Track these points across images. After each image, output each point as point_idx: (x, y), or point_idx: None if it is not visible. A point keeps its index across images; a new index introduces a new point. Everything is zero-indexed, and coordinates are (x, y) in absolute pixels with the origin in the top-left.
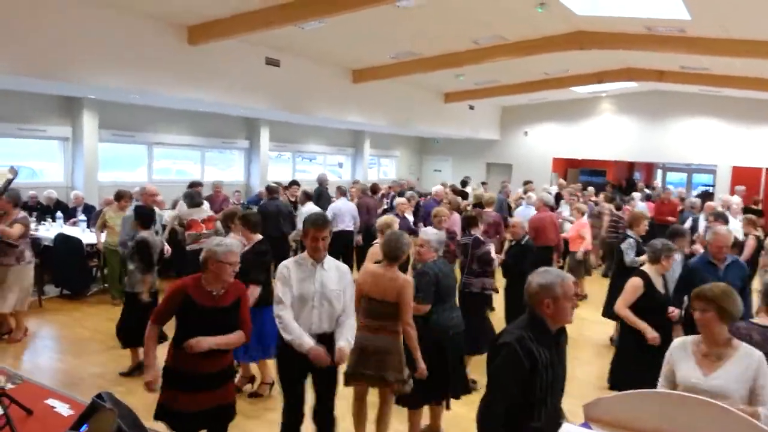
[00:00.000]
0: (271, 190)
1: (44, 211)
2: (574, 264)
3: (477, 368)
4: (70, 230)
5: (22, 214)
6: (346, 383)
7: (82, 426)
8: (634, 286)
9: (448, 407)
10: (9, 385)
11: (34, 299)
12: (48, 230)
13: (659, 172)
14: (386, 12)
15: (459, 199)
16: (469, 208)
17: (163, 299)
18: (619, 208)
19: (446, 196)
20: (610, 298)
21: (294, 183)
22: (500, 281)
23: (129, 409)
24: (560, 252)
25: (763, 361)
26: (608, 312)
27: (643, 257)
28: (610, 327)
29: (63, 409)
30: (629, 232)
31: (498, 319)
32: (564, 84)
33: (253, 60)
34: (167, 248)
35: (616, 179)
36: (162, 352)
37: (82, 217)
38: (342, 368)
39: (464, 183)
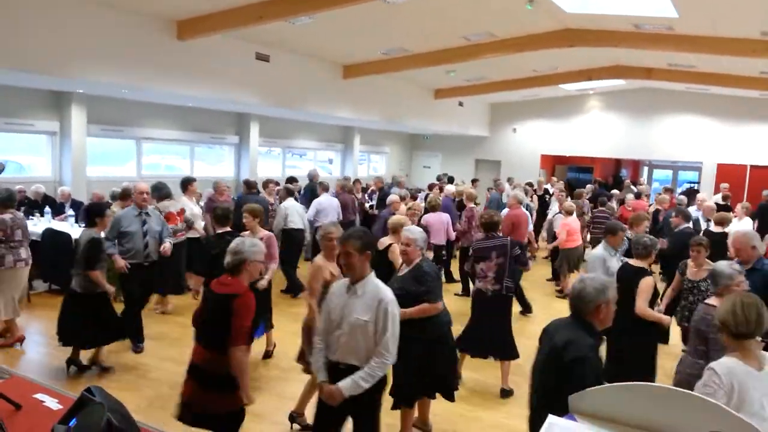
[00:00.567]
0: (249, 185)
1: (32, 205)
2: (560, 262)
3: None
4: (58, 225)
5: (5, 216)
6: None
7: (72, 420)
8: (648, 284)
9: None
10: None
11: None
12: (36, 225)
13: (645, 169)
14: (376, 8)
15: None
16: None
17: (249, 320)
18: (603, 204)
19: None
20: None
21: (270, 181)
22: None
23: (119, 402)
24: (534, 249)
25: None
26: None
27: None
28: None
29: (52, 403)
30: (628, 233)
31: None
32: (553, 81)
33: (243, 55)
34: (167, 246)
35: (603, 176)
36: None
37: (70, 212)
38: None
39: (450, 180)
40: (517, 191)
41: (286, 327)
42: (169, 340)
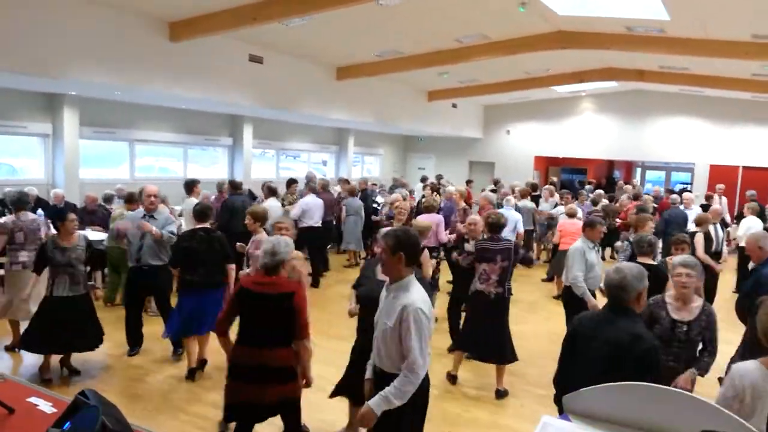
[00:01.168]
0: (234, 185)
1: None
2: (556, 261)
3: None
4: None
5: (6, 218)
6: None
7: (66, 423)
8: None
9: None
10: None
11: None
12: None
13: (638, 171)
14: (370, 10)
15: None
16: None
17: (306, 310)
18: (595, 204)
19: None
20: None
21: (239, 184)
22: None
23: (113, 405)
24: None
25: None
26: None
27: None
28: None
29: (46, 407)
30: (632, 236)
31: None
32: (545, 83)
33: (236, 57)
34: (154, 230)
35: (597, 177)
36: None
37: None
38: None
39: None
40: (487, 193)
41: None
42: (164, 342)
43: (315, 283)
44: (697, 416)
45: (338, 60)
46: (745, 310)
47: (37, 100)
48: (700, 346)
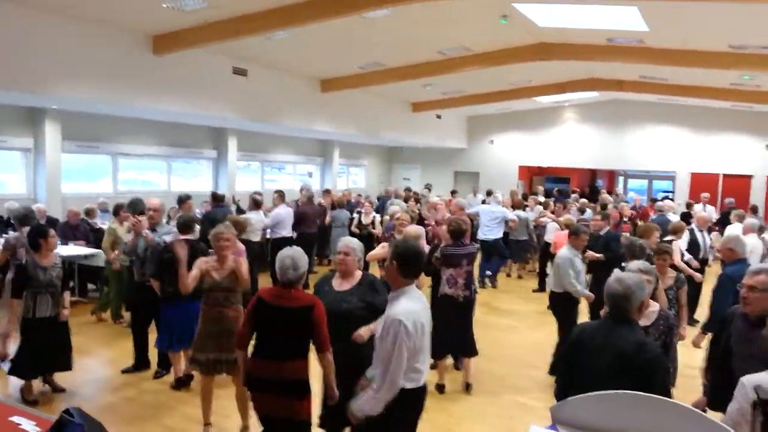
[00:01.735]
0: (216, 198)
1: (5, 224)
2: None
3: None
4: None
5: (11, 235)
6: None
7: None
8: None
9: None
10: None
11: None
12: None
13: (621, 179)
14: (354, 23)
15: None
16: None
17: (326, 323)
18: (582, 212)
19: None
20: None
21: (222, 197)
22: None
23: (98, 423)
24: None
25: None
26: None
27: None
28: None
29: (29, 426)
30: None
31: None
32: (528, 94)
33: (220, 70)
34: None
35: (580, 186)
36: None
37: None
38: None
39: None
40: (459, 199)
41: None
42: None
43: None
44: (687, 425)
45: (322, 72)
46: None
47: (18, 114)
48: None
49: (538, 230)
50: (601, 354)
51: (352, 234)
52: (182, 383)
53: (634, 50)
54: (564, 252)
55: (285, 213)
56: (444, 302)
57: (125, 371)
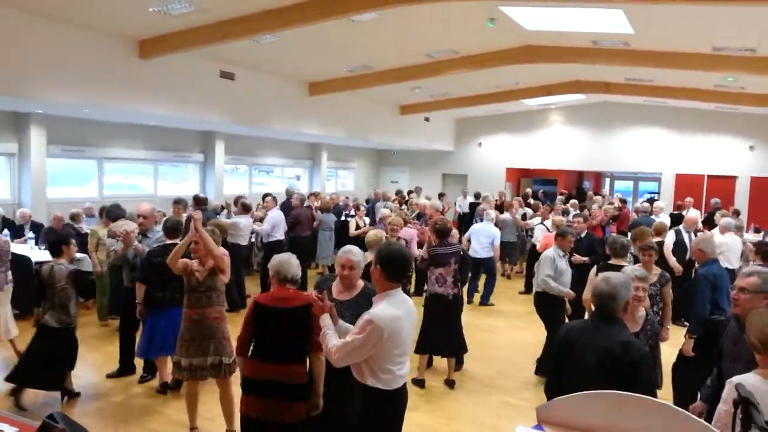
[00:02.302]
0: (198, 201)
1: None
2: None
3: None
4: (18, 248)
5: None
6: None
7: None
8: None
9: None
10: None
11: None
12: None
13: (607, 181)
14: (341, 26)
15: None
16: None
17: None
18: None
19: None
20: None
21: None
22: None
23: (83, 428)
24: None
25: None
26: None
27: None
28: None
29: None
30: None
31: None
32: (515, 96)
33: (207, 73)
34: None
35: (567, 188)
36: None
37: (30, 234)
38: None
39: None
40: (435, 201)
41: None
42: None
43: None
44: (673, 425)
45: (310, 75)
46: (682, 309)
47: (2, 118)
48: None
49: (527, 232)
50: (588, 353)
51: (350, 239)
52: (169, 388)
53: (620, 53)
54: (548, 251)
55: (280, 217)
56: (434, 301)
57: (110, 376)
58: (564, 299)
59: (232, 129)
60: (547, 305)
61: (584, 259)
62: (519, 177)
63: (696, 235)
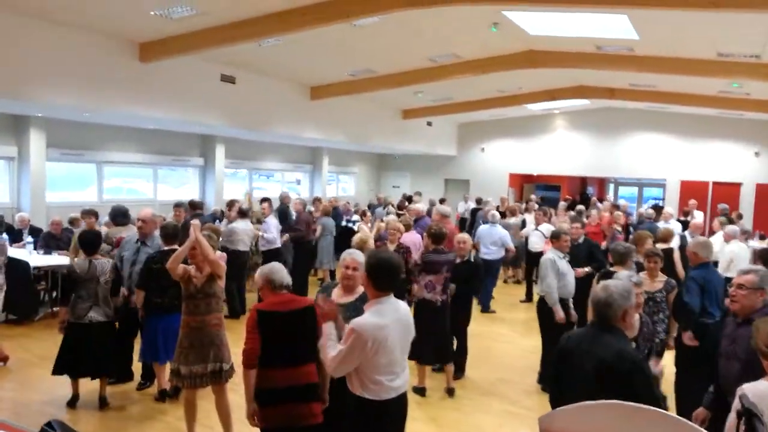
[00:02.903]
0: (194, 206)
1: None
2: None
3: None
4: (16, 252)
5: None
6: None
7: None
8: None
9: None
10: None
11: None
12: None
13: (611, 187)
14: (343, 30)
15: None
16: None
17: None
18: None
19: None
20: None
21: (200, 204)
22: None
23: None
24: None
25: None
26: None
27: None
28: None
29: None
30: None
31: None
32: (518, 101)
33: (208, 77)
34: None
35: (571, 194)
36: None
37: (29, 239)
38: None
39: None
40: (441, 206)
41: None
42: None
43: None
44: None
45: (312, 79)
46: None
47: (1, 121)
48: None
49: (525, 240)
50: (585, 361)
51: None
52: (167, 395)
53: (624, 58)
54: (547, 254)
55: (278, 223)
56: (422, 307)
57: (108, 383)
58: (567, 304)
59: (232, 133)
60: (548, 312)
61: (586, 269)
62: (522, 182)
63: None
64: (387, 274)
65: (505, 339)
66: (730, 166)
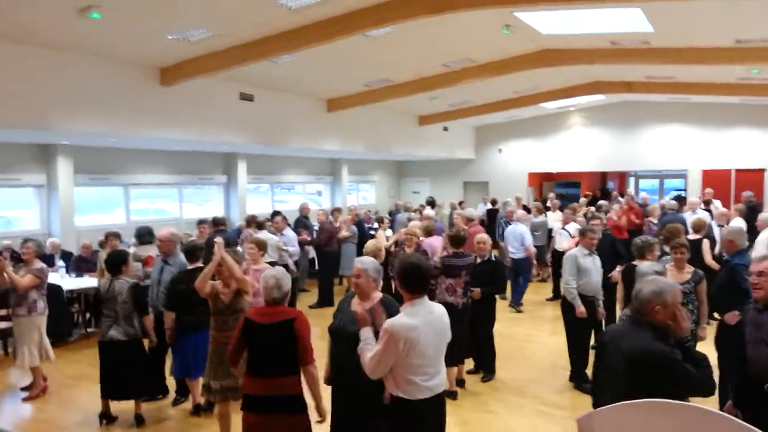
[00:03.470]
0: (217, 222)
1: (20, 260)
2: None
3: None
4: (49, 277)
5: (41, 265)
6: None
7: None
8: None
9: None
10: None
11: None
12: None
13: (632, 180)
14: (357, 42)
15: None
16: None
17: (310, 335)
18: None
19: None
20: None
21: (223, 220)
22: None
23: None
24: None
25: None
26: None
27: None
28: None
29: None
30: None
31: None
32: (534, 101)
33: (227, 96)
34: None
35: (591, 189)
36: None
37: (60, 263)
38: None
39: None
40: (469, 209)
41: None
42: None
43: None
44: None
45: (328, 92)
46: (721, 299)
47: (30, 151)
48: None
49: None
50: (616, 356)
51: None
52: (202, 409)
53: (640, 51)
54: (572, 251)
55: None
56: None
57: (144, 400)
58: (594, 302)
59: (253, 149)
60: (571, 309)
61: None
62: (541, 181)
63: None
64: (416, 277)
65: (534, 338)
66: (752, 152)
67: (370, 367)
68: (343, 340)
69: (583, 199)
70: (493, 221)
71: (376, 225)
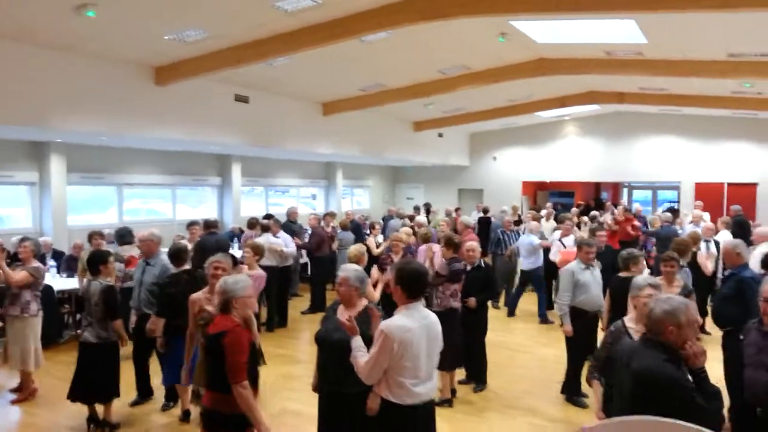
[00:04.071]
0: (208, 225)
1: (12, 258)
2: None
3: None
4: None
5: (36, 264)
6: None
7: None
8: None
9: None
10: None
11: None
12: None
13: (625, 191)
14: (352, 46)
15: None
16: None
17: (243, 354)
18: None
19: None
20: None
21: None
22: None
23: None
24: None
25: None
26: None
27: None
28: None
29: None
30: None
31: None
32: (529, 109)
33: (222, 97)
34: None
35: (585, 199)
36: None
37: (51, 262)
38: None
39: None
40: (465, 217)
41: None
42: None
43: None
44: None
45: (323, 96)
46: (726, 313)
47: (23, 148)
48: None
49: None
50: (624, 373)
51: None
52: (190, 415)
53: (633, 62)
54: (569, 266)
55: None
56: (449, 316)
57: (133, 404)
58: (593, 316)
59: (247, 151)
60: (574, 322)
61: None
62: (535, 190)
63: (715, 244)
64: (414, 282)
65: (526, 349)
66: (745, 166)
67: (366, 371)
68: (328, 347)
69: (575, 209)
70: (483, 229)
71: (368, 231)
